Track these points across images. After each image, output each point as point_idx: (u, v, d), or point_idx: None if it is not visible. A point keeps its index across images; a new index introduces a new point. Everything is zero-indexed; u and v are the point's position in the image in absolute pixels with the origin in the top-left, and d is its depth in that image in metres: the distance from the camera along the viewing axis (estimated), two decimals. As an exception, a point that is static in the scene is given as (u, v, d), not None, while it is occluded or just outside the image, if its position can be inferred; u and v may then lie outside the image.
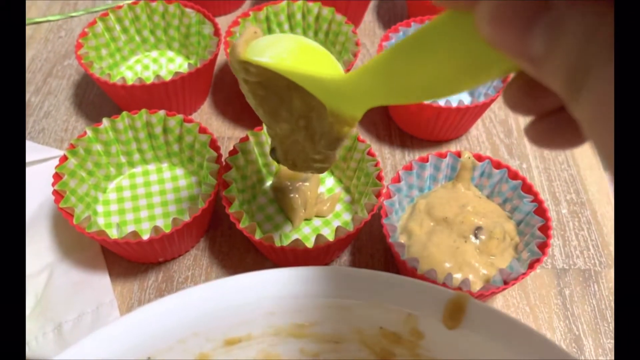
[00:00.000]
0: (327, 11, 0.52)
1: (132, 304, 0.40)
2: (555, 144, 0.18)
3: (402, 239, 0.40)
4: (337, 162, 0.45)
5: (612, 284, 0.42)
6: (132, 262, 0.42)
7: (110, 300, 0.40)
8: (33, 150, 0.47)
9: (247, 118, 0.52)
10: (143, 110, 0.43)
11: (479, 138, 0.51)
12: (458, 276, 0.37)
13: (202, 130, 0.43)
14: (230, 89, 0.55)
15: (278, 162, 0.36)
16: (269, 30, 0.54)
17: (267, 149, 0.44)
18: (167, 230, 0.37)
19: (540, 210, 0.39)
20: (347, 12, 0.56)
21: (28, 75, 0.56)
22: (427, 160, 0.42)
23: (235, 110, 0.53)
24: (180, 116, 0.43)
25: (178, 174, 0.46)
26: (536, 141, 0.18)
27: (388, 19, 0.62)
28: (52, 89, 0.54)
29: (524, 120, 0.53)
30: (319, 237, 0.37)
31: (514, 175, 0.41)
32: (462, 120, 0.47)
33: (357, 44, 0.49)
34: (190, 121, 0.43)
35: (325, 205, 0.44)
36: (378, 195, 0.39)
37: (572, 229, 0.45)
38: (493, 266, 0.38)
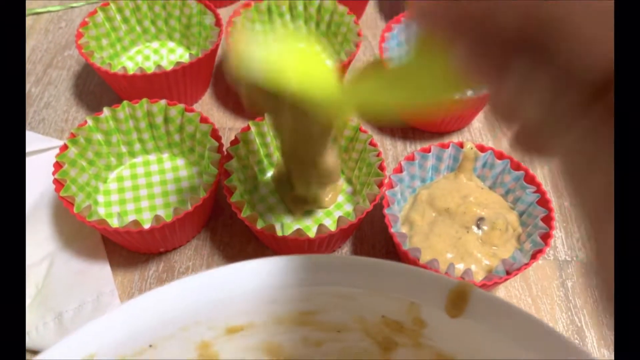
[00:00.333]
0: (329, 2, 0.52)
1: (133, 293, 0.40)
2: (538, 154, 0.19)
3: (404, 230, 0.40)
4: (339, 153, 0.44)
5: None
6: (132, 252, 0.42)
7: (110, 290, 0.39)
8: (33, 140, 0.46)
9: (247, 109, 0.52)
10: (144, 100, 0.42)
11: (480, 130, 0.51)
12: (460, 267, 0.37)
13: (204, 120, 0.42)
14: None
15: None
16: (270, 22, 0.54)
17: (269, 139, 0.44)
18: (169, 220, 0.37)
19: (543, 201, 0.39)
20: (348, 3, 0.55)
21: (28, 66, 0.55)
22: (430, 151, 0.42)
23: (236, 101, 0.53)
24: (182, 105, 0.43)
25: (179, 164, 0.46)
26: (523, 151, 0.19)
27: (390, 10, 0.62)
28: (53, 80, 0.54)
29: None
30: (320, 227, 0.36)
31: (516, 166, 0.41)
32: (464, 112, 0.47)
33: (358, 34, 0.49)
34: (192, 111, 0.43)
35: (327, 197, 0.43)
36: (380, 185, 0.39)
37: (574, 220, 0.45)
38: (495, 257, 0.38)
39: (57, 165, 0.39)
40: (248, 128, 0.42)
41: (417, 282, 0.27)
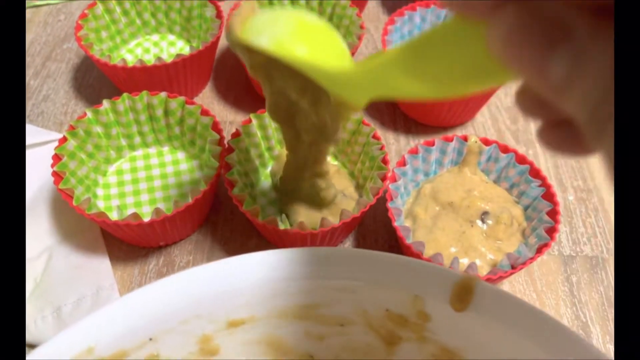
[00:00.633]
0: (331, -6, 0.51)
1: (133, 287, 0.40)
2: (566, 153, 0.17)
3: (407, 223, 0.39)
4: (342, 146, 0.44)
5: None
6: (132, 245, 0.42)
7: (110, 283, 0.39)
8: (32, 133, 0.46)
9: (249, 102, 0.52)
10: (144, 92, 0.42)
11: (484, 124, 0.51)
12: (464, 261, 0.37)
13: (204, 113, 0.42)
14: (232, 73, 0.54)
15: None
16: (272, 14, 0.53)
17: (270, 132, 0.43)
18: (169, 213, 0.36)
19: (548, 195, 0.38)
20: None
21: (27, 59, 0.55)
22: (433, 144, 0.41)
23: (237, 94, 0.52)
24: (182, 98, 0.42)
25: (179, 157, 0.45)
26: (548, 147, 0.17)
27: (393, 3, 0.61)
28: (51, 73, 0.54)
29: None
30: (323, 220, 0.36)
31: (521, 159, 0.40)
32: (467, 106, 0.47)
33: (361, 26, 0.49)
34: (192, 103, 0.42)
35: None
36: (383, 178, 0.38)
37: (579, 215, 0.44)
38: (500, 251, 0.37)
39: (56, 158, 0.39)
40: (249, 121, 0.42)
41: (421, 275, 0.26)
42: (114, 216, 0.41)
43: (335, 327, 0.28)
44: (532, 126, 0.51)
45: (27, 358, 0.23)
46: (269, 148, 0.44)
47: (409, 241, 0.36)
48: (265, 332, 0.28)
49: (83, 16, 0.48)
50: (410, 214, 0.40)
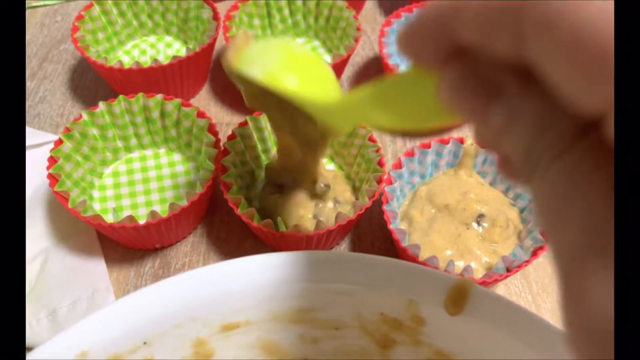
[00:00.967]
0: (328, -4, 0.51)
1: (128, 290, 0.40)
2: (517, 182, 0.19)
3: (403, 226, 0.39)
4: (338, 148, 0.44)
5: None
6: (128, 248, 0.42)
7: (105, 286, 0.39)
8: (28, 135, 0.46)
9: (245, 105, 0.51)
10: (140, 94, 0.42)
11: (481, 126, 0.51)
12: (460, 263, 0.37)
13: (200, 115, 0.42)
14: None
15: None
16: (269, 16, 0.53)
17: (267, 134, 0.43)
18: (164, 216, 0.36)
19: (544, 198, 0.38)
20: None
21: (23, 60, 0.55)
22: (429, 147, 0.41)
23: (234, 96, 0.52)
24: (178, 100, 0.42)
25: (175, 159, 0.45)
26: (503, 176, 0.19)
27: (389, 5, 0.61)
28: (48, 74, 0.54)
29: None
30: (319, 222, 0.36)
31: (517, 162, 0.40)
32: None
33: (358, 28, 0.49)
34: (189, 105, 0.42)
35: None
36: (379, 181, 0.38)
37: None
38: (495, 254, 0.37)
39: (52, 160, 0.39)
40: (246, 123, 0.42)
41: (416, 279, 0.26)
42: (109, 218, 0.41)
43: (329, 330, 0.28)
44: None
45: (21, 362, 0.23)
46: (265, 150, 0.44)
47: (404, 244, 0.36)
48: (260, 336, 0.28)
49: (80, 17, 0.48)
50: (406, 216, 0.40)
